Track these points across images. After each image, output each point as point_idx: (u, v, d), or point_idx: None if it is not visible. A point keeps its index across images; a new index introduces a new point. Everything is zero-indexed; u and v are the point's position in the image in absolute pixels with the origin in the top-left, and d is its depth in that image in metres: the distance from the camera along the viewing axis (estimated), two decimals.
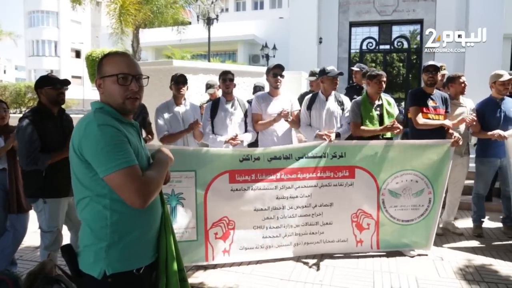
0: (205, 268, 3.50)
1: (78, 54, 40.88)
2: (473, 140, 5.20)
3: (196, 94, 6.15)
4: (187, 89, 4.07)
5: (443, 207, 4.38)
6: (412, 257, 3.75)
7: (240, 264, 3.56)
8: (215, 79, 5.19)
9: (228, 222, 3.52)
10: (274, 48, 17.26)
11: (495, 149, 4.15)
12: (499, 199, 4.64)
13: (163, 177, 1.53)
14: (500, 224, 4.58)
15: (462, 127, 4.31)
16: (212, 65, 8.18)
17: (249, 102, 4.27)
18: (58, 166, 2.83)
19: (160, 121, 3.93)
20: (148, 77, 1.61)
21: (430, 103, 4.03)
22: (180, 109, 4.00)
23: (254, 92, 5.45)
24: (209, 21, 12.85)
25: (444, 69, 5.76)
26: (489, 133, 4.06)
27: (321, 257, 3.69)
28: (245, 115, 4.01)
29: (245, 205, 3.52)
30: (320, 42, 13.92)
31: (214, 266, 3.52)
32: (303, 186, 3.60)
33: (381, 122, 3.86)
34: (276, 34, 18.16)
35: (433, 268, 3.52)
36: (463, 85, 4.33)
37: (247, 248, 3.57)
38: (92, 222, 1.44)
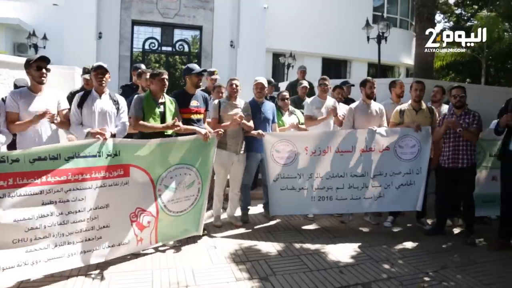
0: None
1: None
2: None
3: None
4: None
5: (226, 200, 4.82)
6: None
7: None
8: None
9: None
10: (45, 38, 15.09)
11: (257, 145, 4.80)
12: (262, 188, 5.40)
13: None
14: (262, 210, 5.34)
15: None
16: None
17: (4, 100, 3.62)
18: None
19: None
20: None
21: (193, 103, 4.33)
22: None
23: None
24: None
25: (217, 74, 6.35)
26: (252, 132, 4.69)
27: (96, 264, 3.44)
28: None
29: (1, 217, 2.92)
30: (100, 37, 13.13)
31: None
32: (75, 189, 3.25)
33: (163, 119, 4.00)
34: (48, 22, 15.85)
35: (207, 257, 3.79)
36: (233, 86, 4.79)
37: (5, 268, 2.94)
38: None
